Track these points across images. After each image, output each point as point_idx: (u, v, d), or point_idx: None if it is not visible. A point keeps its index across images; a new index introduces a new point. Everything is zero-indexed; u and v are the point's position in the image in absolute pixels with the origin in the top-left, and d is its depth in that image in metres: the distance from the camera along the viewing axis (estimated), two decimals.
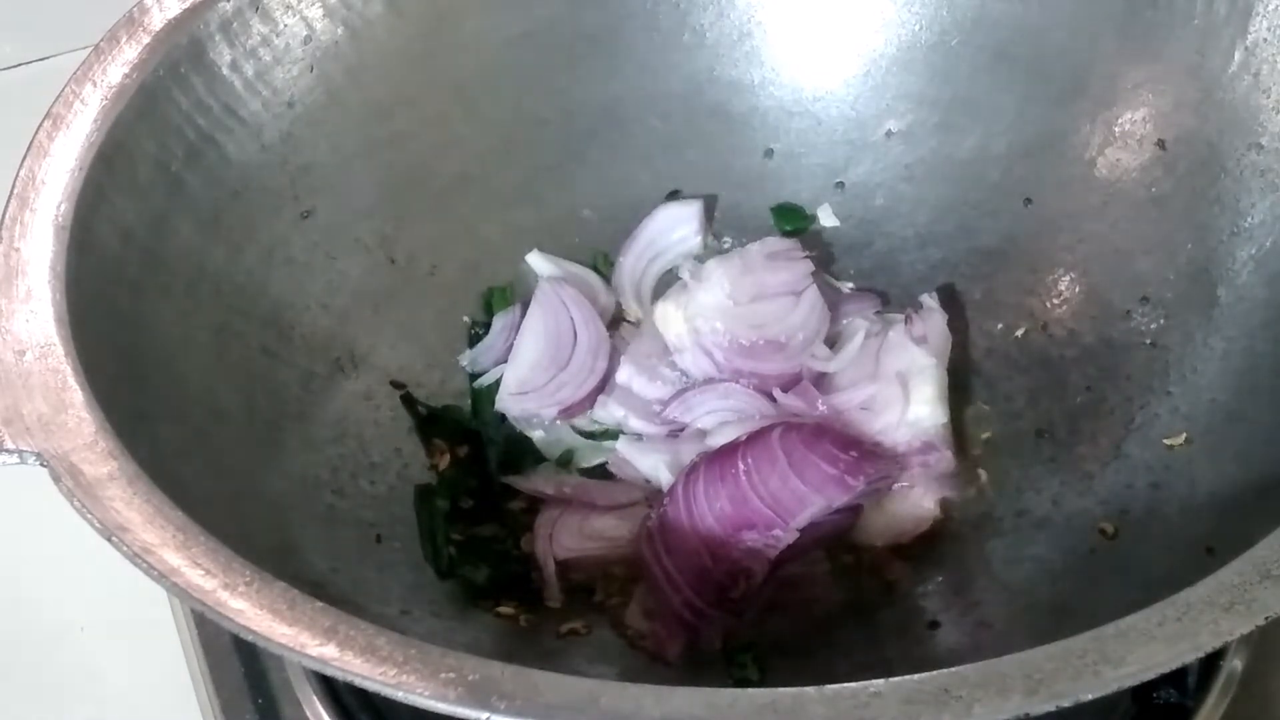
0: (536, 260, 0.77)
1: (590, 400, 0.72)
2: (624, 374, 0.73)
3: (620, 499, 0.69)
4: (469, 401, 0.74)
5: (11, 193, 0.60)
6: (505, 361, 0.74)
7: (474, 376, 0.75)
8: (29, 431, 0.52)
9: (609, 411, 0.72)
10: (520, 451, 0.72)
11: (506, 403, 0.72)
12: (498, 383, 0.73)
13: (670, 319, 0.73)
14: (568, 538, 0.67)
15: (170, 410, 0.59)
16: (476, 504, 0.70)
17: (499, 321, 0.75)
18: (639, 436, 0.72)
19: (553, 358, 0.73)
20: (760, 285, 0.72)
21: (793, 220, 0.80)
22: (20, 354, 0.55)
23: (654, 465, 0.69)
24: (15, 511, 0.74)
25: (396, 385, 0.72)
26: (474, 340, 0.76)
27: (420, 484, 0.70)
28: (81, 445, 0.51)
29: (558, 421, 0.73)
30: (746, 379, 0.71)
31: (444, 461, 0.71)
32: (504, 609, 0.65)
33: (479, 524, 0.69)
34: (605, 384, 0.73)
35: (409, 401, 0.72)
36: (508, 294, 0.76)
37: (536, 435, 0.73)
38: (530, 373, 0.72)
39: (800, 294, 0.72)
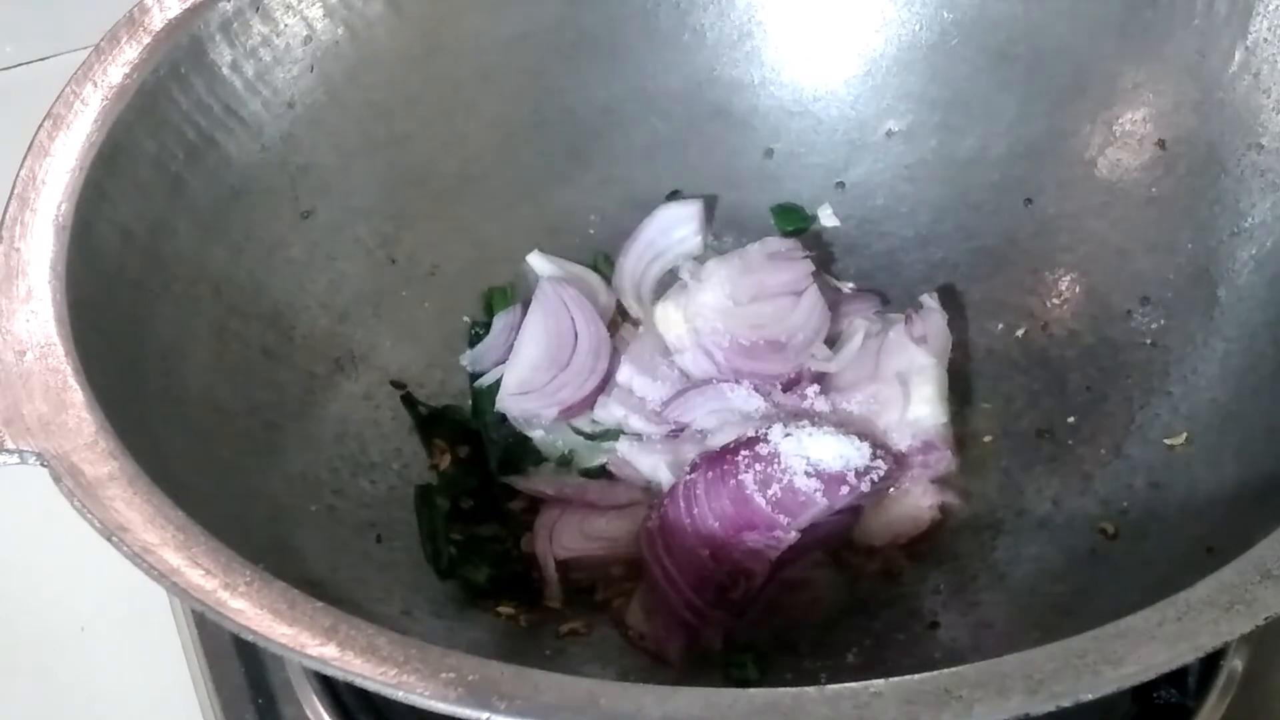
0: (537, 260, 0.77)
1: (591, 401, 0.72)
2: (624, 374, 0.72)
3: (620, 499, 0.69)
4: (469, 401, 0.74)
5: (12, 193, 0.60)
6: (506, 361, 0.74)
7: (474, 376, 0.75)
8: (29, 431, 0.52)
9: (609, 412, 0.72)
10: (521, 451, 0.72)
11: (507, 403, 0.72)
12: (498, 383, 0.73)
13: (670, 320, 0.73)
14: (568, 538, 0.67)
15: (170, 410, 0.59)
16: (477, 504, 0.70)
17: (499, 321, 0.75)
18: (639, 437, 0.72)
19: (553, 358, 0.73)
20: (760, 285, 0.72)
21: (793, 220, 0.80)
22: (20, 354, 0.55)
23: (654, 465, 0.69)
24: (15, 511, 0.74)
25: (397, 385, 0.72)
26: (474, 340, 0.76)
27: (420, 484, 0.70)
28: (82, 445, 0.51)
29: (558, 422, 0.73)
30: (747, 379, 0.71)
31: (444, 461, 0.71)
32: (504, 609, 0.65)
33: (479, 524, 0.69)
34: (606, 384, 0.73)
35: (409, 401, 0.72)
36: (508, 294, 0.76)
37: (537, 435, 0.73)
38: (531, 373, 0.72)
39: (800, 294, 0.72)
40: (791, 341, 0.72)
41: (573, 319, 0.73)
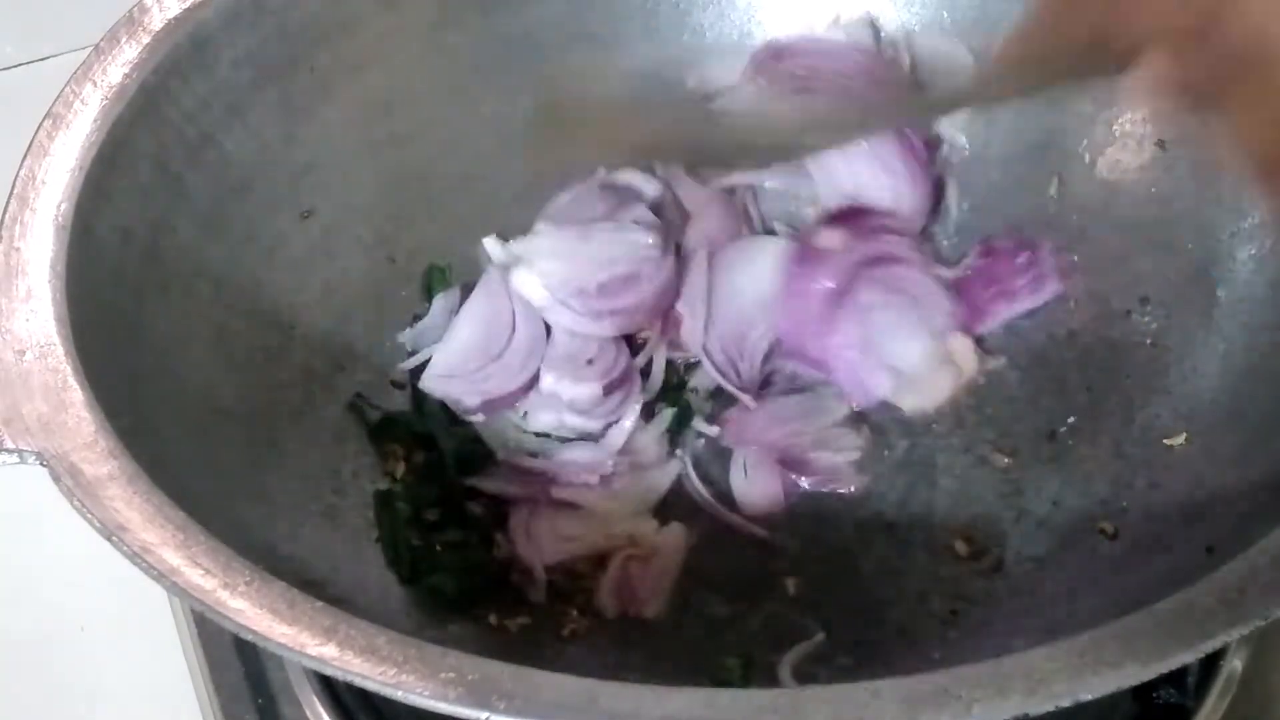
0: (492, 246, 0.74)
1: (515, 398, 0.71)
2: (548, 381, 0.71)
3: (588, 471, 0.68)
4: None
5: (11, 192, 0.60)
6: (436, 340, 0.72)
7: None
8: (29, 431, 0.52)
9: (539, 418, 0.71)
10: (475, 450, 0.70)
11: (431, 383, 0.71)
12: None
13: (528, 283, 0.72)
14: (546, 542, 0.66)
15: (170, 410, 0.59)
16: (441, 513, 0.68)
17: (439, 303, 0.74)
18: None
19: (484, 347, 0.71)
20: (591, 220, 0.72)
21: None
22: (20, 354, 0.55)
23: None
24: (15, 511, 0.74)
25: (396, 385, 0.72)
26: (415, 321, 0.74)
27: (380, 489, 0.68)
28: (81, 445, 0.51)
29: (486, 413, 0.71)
30: (610, 319, 0.71)
31: (400, 469, 0.69)
32: (490, 619, 0.64)
33: (444, 531, 0.67)
34: (532, 385, 0.71)
35: (357, 408, 0.70)
36: (446, 274, 0.75)
37: (477, 421, 0.71)
38: (460, 358, 0.71)
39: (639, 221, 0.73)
40: (644, 272, 0.72)
41: (513, 311, 0.72)
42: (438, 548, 0.66)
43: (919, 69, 0.76)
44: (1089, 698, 0.41)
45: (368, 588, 0.62)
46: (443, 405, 0.71)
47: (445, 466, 0.70)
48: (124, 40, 0.66)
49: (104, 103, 0.63)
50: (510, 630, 0.64)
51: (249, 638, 0.45)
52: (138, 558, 0.47)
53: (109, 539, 0.48)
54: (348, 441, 0.69)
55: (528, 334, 0.72)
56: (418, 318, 0.75)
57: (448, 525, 0.68)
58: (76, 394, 0.53)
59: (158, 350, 0.61)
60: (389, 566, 0.65)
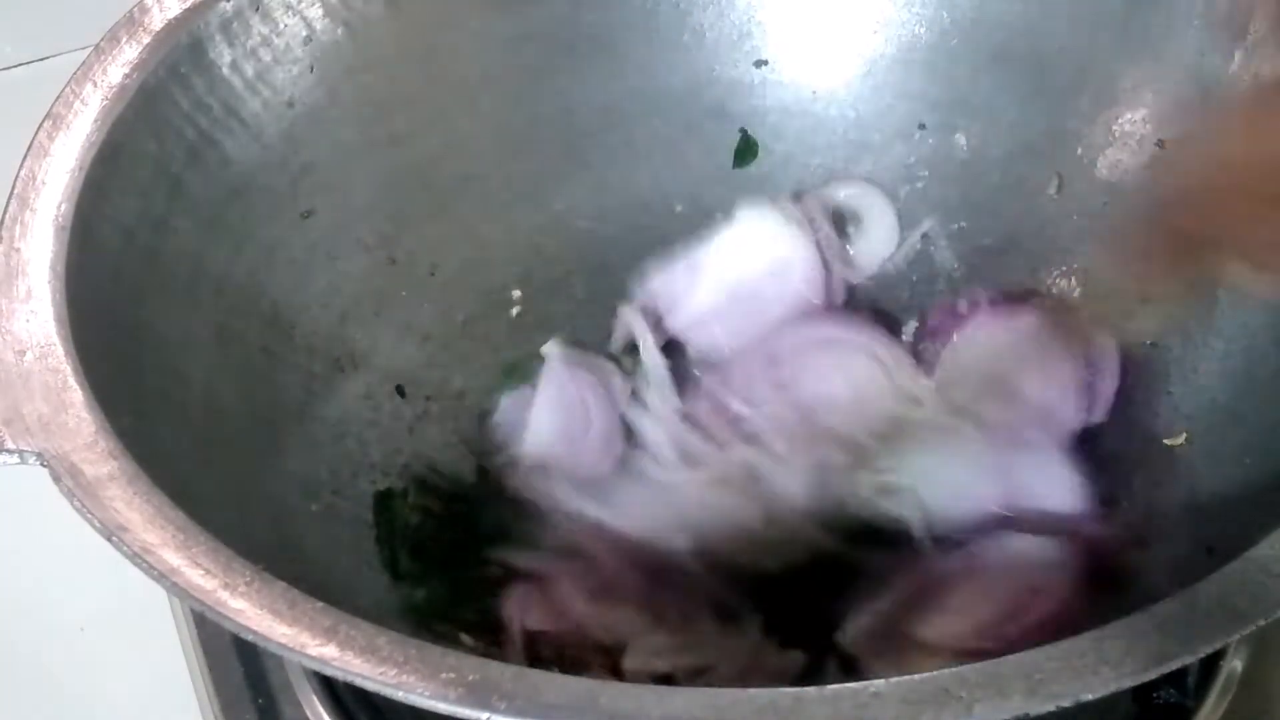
0: (552, 349, 0.74)
1: (605, 481, 0.70)
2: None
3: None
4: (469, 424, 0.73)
5: (11, 193, 0.60)
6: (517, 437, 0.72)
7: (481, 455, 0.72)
8: (29, 431, 0.52)
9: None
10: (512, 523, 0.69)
11: (522, 477, 0.70)
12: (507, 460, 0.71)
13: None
14: (540, 611, 0.64)
15: (170, 410, 0.59)
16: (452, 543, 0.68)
17: (509, 401, 0.73)
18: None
19: (567, 435, 0.71)
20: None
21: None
22: (20, 354, 0.55)
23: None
24: (15, 511, 0.74)
25: (400, 392, 0.72)
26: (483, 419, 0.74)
27: (380, 489, 0.69)
28: (81, 445, 0.51)
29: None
30: None
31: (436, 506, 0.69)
32: (465, 638, 0.63)
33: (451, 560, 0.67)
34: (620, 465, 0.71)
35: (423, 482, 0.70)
36: (521, 371, 0.74)
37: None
38: (546, 448, 0.70)
39: None
40: None
41: (585, 399, 0.72)
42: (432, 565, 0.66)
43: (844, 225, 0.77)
44: (1089, 698, 0.41)
45: (368, 588, 0.62)
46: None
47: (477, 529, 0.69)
48: (124, 40, 0.66)
49: (104, 103, 0.63)
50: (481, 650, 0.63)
51: (249, 638, 0.45)
52: (138, 558, 0.47)
53: (109, 539, 0.48)
54: (348, 441, 0.69)
55: (603, 417, 0.72)
56: (484, 416, 0.74)
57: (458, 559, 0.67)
58: (76, 394, 0.53)
59: (158, 350, 0.61)
60: (384, 566, 0.66)
